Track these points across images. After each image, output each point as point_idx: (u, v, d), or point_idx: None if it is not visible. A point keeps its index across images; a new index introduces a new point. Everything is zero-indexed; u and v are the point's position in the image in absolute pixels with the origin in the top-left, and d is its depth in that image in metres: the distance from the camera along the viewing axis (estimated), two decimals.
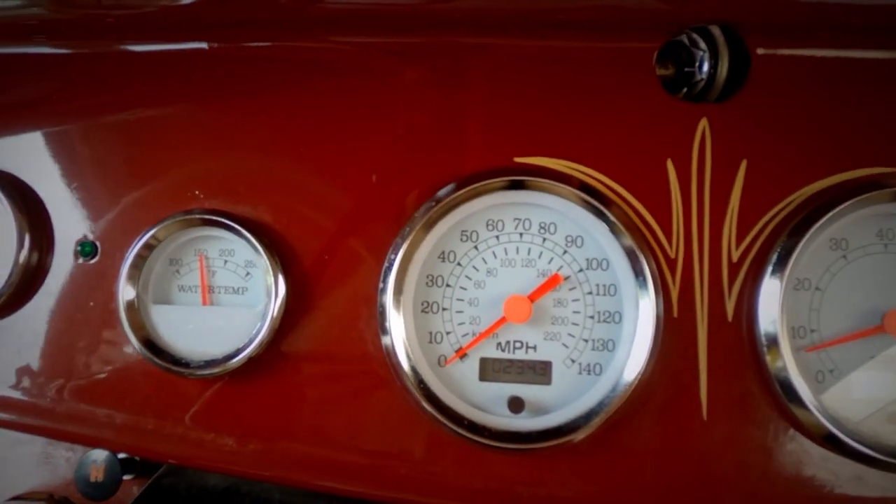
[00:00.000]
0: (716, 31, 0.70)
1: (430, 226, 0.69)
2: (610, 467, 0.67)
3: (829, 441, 0.65)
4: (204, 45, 0.74)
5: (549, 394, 0.69)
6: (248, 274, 0.71)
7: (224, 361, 0.68)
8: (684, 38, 0.74)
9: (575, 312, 0.70)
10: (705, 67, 0.72)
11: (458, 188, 0.68)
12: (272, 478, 0.69)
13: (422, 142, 0.71)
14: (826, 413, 0.66)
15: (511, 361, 0.70)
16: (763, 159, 0.69)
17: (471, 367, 0.70)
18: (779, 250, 0.67)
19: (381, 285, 0.68)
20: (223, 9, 0.69)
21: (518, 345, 0.70)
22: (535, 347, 0.70)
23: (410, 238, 0.68)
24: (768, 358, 0.66)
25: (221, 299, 0.71)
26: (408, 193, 0.70)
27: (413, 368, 0.68)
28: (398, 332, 0.68)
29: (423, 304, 0.71)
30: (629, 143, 0.70)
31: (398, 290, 0.68)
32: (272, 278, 0.68)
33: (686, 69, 0.75)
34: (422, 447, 0.68)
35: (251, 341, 0.67)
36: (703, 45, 0.73)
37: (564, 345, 0.70)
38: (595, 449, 0.68)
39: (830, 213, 0.66)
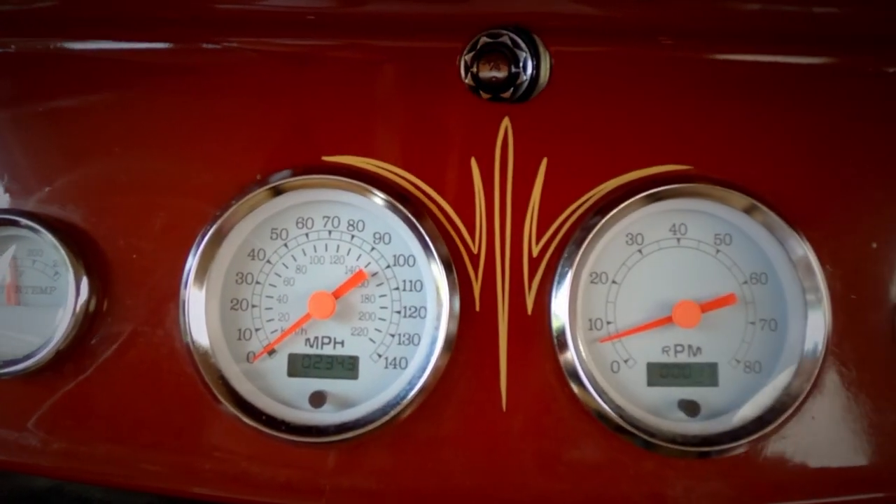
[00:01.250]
0: (516, 34, 0.73)
1: (233, 224, 0.69)
2: (411, 458, 0.69)
3: (619, 430, 0.68)
4: None
5: (355, 388, 0.70)
6: (56, 273, 0.71)
7: (23, 360, 0.67)
8: (507, 40, 0.77)
9: (382, 308, 0.71)
10: (529, 68, 0.74)
11: (261, 186, 0.69)
12: (75, 477, 0.69)
13: (230, 142, 0.72)
14: (615, 402, 0.68)
15: (320, 357, 0.71)
16: (562, 157, 0.71)
17: (280, 363, 0.71)
18: (575, 245, 0.69)
19: (184, 283, 0.69)
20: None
21: (326, 340, 0.71)
22: (342, 343, 0.71)
23: (210, 237, 0.68)
24: (564, 349, 0.68)
25: (29, 299, 0.71)
26: (215, 193, 0.71)
27: (213, 365, 0.68)
28: (200, 329, 0.68)
29: (232, 302, 0.71)
30: (435, 142, 0.72)
31: (202, 287, 0.69)
32: (74, 277, 0.68)
33: (513, 70, 0.77)
34: (226, 443, 0.69)
35: (49, 341, 0.67)
36: (524, 46, 0.75)
37: (371, 339, 0.71)
38: (397, 440, 0.69)
39: (618, 208, 0.68)
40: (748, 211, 0.69)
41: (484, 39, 0.73)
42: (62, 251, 0.68)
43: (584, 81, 0.72)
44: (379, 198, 0.69)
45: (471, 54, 0.73)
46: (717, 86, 0.72)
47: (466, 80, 0.73)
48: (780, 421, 0.66)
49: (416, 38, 0.72)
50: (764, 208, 0.68)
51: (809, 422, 0.69)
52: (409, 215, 0.69)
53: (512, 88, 0.76)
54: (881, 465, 0.69)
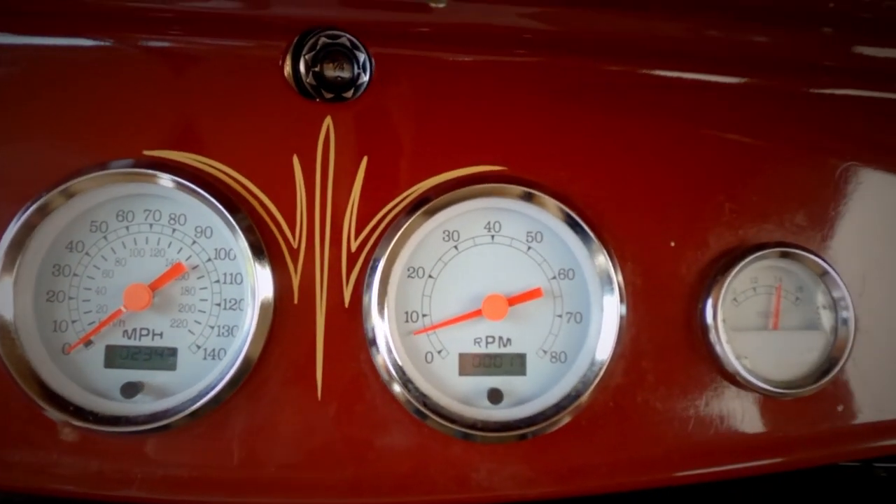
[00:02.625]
0: (342, 36, 0.75)
1: (45, 215, 0.69)
2: (224, 446, 0.70)
3: (426, 418, 0.71)
4: None
5: (173, 378, 0.71)
6: None
7: None
8: (346, 41, 0.79)
9: (202, 300, 0.72)
10: (368, 69, 0.77)
11: (76, 176, 0.69)
12: None
13: (49, 135, 0.71)
14: (423, 391, 0.71)
15: (138, 348, 0.72)
16: (382, 156, 0.74)
17: (97, 354, 0.71)
18: (391, 241, 0.72)
19: None
20: None
21: (144, 332, 0.72)
22: (161, 334, 0.72)
23: (19, 228, 0.68)
24: (377, 341, 0.71)
25: None
26: (33, 183, 0.71)
27: (21, 356, 0.68)
28: (6, 321, 0.68)
29: (48, 294, 0.71)
30: (257, 140, 0.73)
31: (10, 278, 0.68)
32: None
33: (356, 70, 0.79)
34: (36, 435, 0.69)
35: None
36: (362, 47, 0.77)
37: (191, 331, 0.72)
38: (211, 430, 0.70)
39: (429, 204, 0.72)
40: (555, 212, 0.73)
41: (324, 40, 0.75)
42: None
43: (404, 83, 0.74)
44: (200, 193, 0.70)
45: (311, 54, 0.75)
46: (531, 90, 0.75)
47: (308, 80, 0.74)
48: (574, 406, 0.71)
49: (239, 36, 0.73)
50: (567, 209, 0.72)
51: (604, 408, 0.73)
52: (229, 211, 0.70)
53: (353, 89, 0.78)
54: (672, 448, 0.74)
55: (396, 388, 0.71)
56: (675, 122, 0.77)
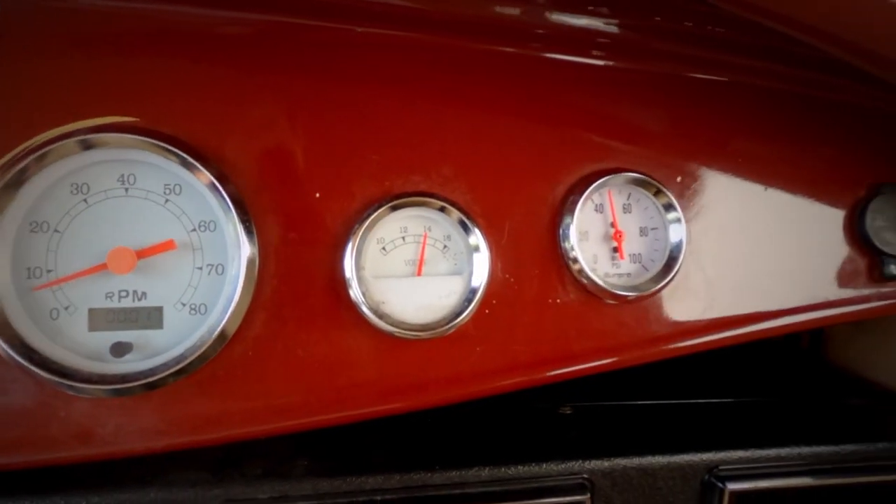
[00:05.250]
0: None
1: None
2: None
3: (57, 385, 0.69)
4: None
5: None
6: None
7: None
8: None
9: None
10: None
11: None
12: None
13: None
14: (37, 348, 0.70)
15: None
16: (5, 101, 0.70)
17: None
18: (9, 192, 0.69)
19: None
20: None
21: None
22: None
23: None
24: None
25: None
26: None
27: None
28: None
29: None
30: None
31: None
32: None
33: None
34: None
35: None
36: None
37: None
38: None
39: (50, 156, 0.69)
40: (190, 167, 0.72)
41: None
42: None
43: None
44: None
45: None
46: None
47: None
48: (205, 355, 0.71)
49: None
50: (197, 163, 0.71)
51: (243, 358, 0.74)
52: None
53: None
54: (313, 394, 0.76)
55: (10, 346, 0.68)
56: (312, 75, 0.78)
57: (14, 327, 0.68)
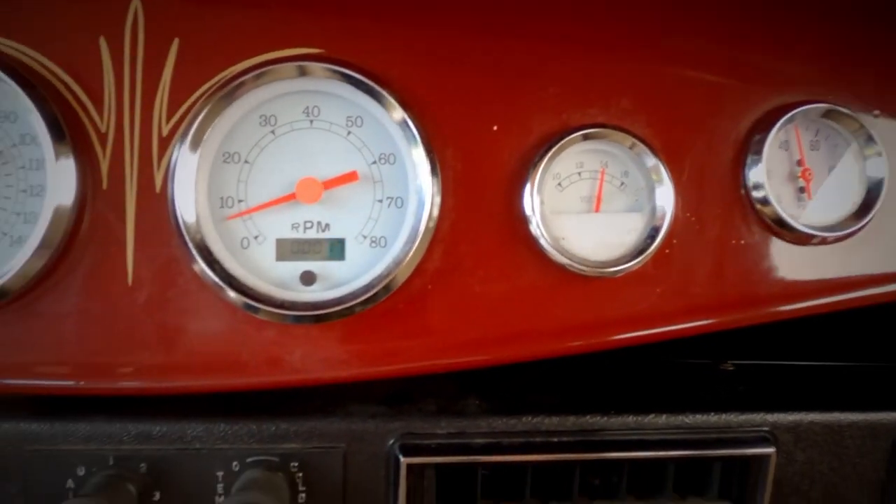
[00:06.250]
0: None
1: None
2: (29, 332, 0.70)
3: (244, 305, 0.71)
4: None
5: None
6: None
7: None
8: None
9: (7, 186, 0.71)
10: None
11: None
12: None
13: None
14: (234, 275, 0.71)
15: None
16: (194, 38, 0.72)
17: None
18: (203, 125, 0.71)
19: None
20: None
21: None
22: None
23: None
24: (189, 226, 0.70)
25: None
26: None
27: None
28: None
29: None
30: (60, 20, 0.71)
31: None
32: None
33: None
34: None
35: None
36: None
37: None
38: (18, 317, 0.69)
39: (244, 87, 0.70)
40: (376, 97, 0.72)
41: None
42: None
43: None
44: (2, 76, 0.68)
45: None
46: None
47: None
48: (388, 287, 0.71)
49: None
50: (384, 92, 0.71)
51: (421, 291, 0.73)
52: (32, 94, 0.68)
53: None
54: (490, 331, 0.75)
55: (208, 272, 0.70)
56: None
57: (214, 253, 0.70)
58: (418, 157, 0.72)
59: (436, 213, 0.72)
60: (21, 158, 0.71)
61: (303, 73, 0.71)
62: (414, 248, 0.72)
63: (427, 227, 0.72)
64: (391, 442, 0.73)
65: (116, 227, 0.71)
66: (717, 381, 0.90)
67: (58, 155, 0.69)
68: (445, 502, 0.74)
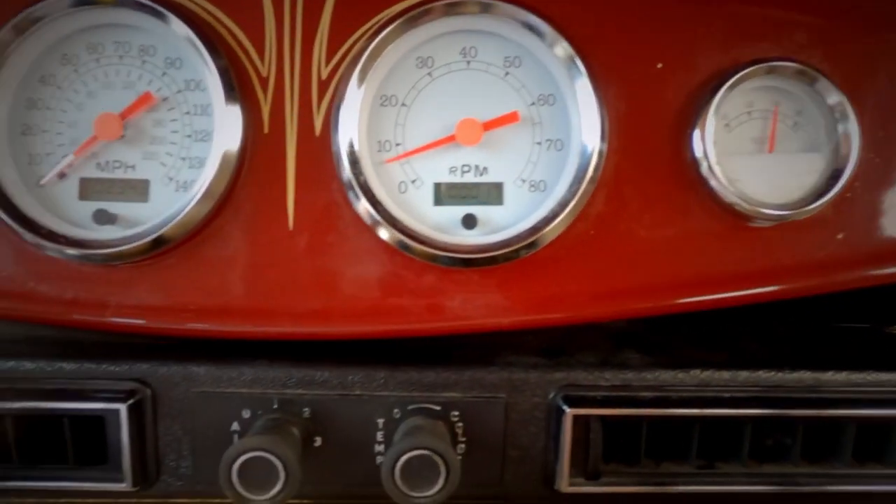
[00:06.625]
0: None
1: (16, 46, 0.69)
2: (197, 276, 0.70)
3: (401, 246, 0.69)
4: None
5: (145, 210, 0.71)
6: None
7: None
8: None
9: (173, 132, 0.72)
10: None
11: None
12: None
13: None
14: (399, 219, 0.69)
15: (111, 180, 0.72)
16: None
17: (71, 187, 0.72)
18: (363, 67, 0.70)
19: None
20: None
21: (117, 164, 0.72)
22: (133, 167, 0.72)
23: None
24: (350, 170, 0.69)
25: None
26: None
27: (2, 191, 0.69)
28: None
29: (22, 127, 0.72)
30: None
31: None
32: None
33: None
34: (16, 264, 0.70)
35: None
36: None
37: (162, 163, 0.71)
38: (180, 261, 0.70)
39: (401, 29, 0.69)
40: (537, 33, 0.69)
41: None
42: None
43: None
44: (169, 22, 0.69)
45: None
46: None
47: None
48: (551, 233, 0.68)
49: None
50: (550, 30, 0.69)
51: (584, 236, 0.70)
52: (199, 39, 0.69)
53: None
54: (656, 277, 0.71)
55: (368, 215, 0.69)
56: None
57: (376, 195, 0.69)
58: (583, 95, 0.69)
59: (600, 155, 0.69)
60: (186, 104, 0.72)
61: (460, 10, 0.70)
62: (579, 192, 0.69)
63: (590, 171, 0.69)
64: (553, 393, 0.70)
65: (277, 172, 0.71)
66: (886, 344, 0.83)
67: (225, 100, 0.69)
68: (606, 457, 0.70)
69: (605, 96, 0.70)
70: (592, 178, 0.69)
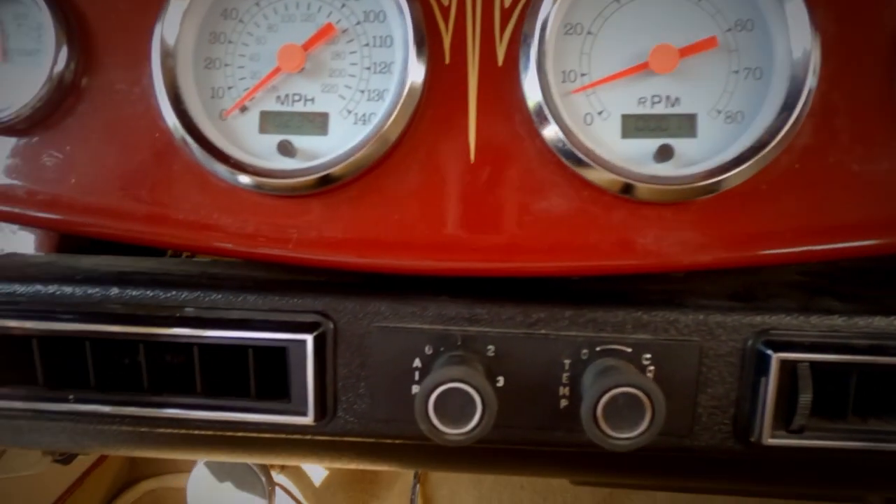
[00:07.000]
0: None
1: None
2: (376, 210, 0.69)
3: (580, 175, 0.66)
4: None
5: (325, 143, 0.70)
6: (40, 37, 0.73)
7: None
8: None
9: (352, 64, 0.71)
10: None
11: None
12: (58, 227, 0.72)
13: None
14: (588, 149, 0.66)
15: (291, 114, 0.71)
16: None
17: (252, 120, 0.71)
18: None
19: (159, 46, 0.69)
20: None
21: (297, 97, 0.71)
22: (312, 100, 0.71)
23: None
24: (535, 100, 0.66)
25: (15, 61, 0.73)
26: None
27: (191, 123, 0.69)
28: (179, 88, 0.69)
29: (205, 61, 0.72)
30: None
31: (176, 49, 0.69)
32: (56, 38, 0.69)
33: None
34: (198, 195, 0.70)
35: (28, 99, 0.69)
36: None
37: (341, 96, 0.70)
38: (361, 194, 0.69)
39: None
40: None
41: None
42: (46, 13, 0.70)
43: None
44: None
45: None
46: None
47: None
48: (752, 166, 0.63)
49: None
50: None
51: (789, 170, 0.65)
52: None
53: None
54: (872, 215, 0.65)
55: (554, 147, 0.66)
56: None
57: (564, 125, 0.66)
58: (793, 18, 0.64)
59: (800, 82, 0.64)
60: (366, 36, 0.70)
61: None
62: (773, 123, 0.64)
63: (801, 101, 0.63)
64: (751, 339, 0.65)
65: (458, 104, 0.68)
66: None
67: (406, 31, 0.67)
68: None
69: (816, 19, 0.64)
70: (802, 109, 0.64)
